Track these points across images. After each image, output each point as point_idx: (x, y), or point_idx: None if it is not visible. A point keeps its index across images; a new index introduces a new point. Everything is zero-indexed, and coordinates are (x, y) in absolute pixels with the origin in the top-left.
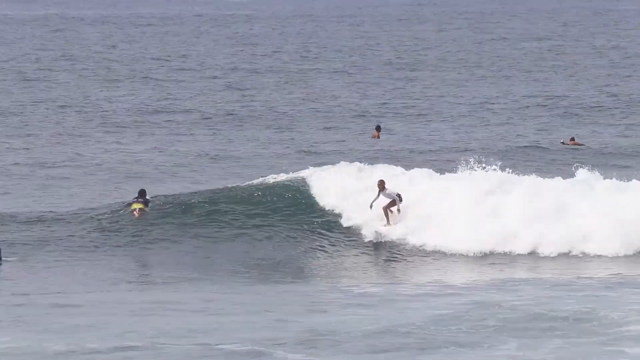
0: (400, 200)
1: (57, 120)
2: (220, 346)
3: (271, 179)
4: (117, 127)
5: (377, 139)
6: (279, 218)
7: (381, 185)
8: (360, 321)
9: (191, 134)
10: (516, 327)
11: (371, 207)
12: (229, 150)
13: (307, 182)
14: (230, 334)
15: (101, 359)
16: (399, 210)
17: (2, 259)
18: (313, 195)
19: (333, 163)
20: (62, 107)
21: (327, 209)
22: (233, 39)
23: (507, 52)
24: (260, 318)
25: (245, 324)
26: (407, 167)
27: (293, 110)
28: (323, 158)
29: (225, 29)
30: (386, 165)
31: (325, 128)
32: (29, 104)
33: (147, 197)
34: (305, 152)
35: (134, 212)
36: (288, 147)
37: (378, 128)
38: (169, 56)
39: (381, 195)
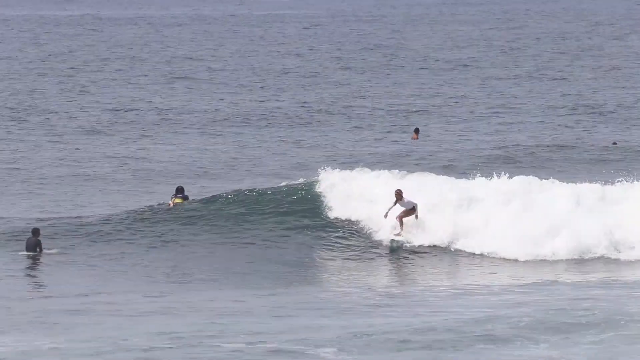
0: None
1: (91, 120)
2: (254, 346)
3: (301, 181)
4: (152, 125)
5: (416, 140)
6: (306, 221)
7: (398, 195)
8: (394, 320)
9: (223, 135)
10: (550, 326)
11: (386, 216)
12: (261, 150)
13: (337, 186)
14: (265, 334)
15: (132, 358)
16: (416, 216)
17: (44, 250)
18: (342, 199)
19: (369, 165)
20: (95, 107)
21: (357, 213)
22: (266, 39)
23: (542, 51)
24: (295, 318)
25: (278, 325)
26: (446, 168)
27: (329, 110)
28: (359, 159)
29: (257, 29)
30: (421, 173)
31: (361, 128)
32: (65, 103)
33: (186, 194)
34: (340, 154)
35: (170, 203)
36: (322, 148)
37: (417, 130)
38: (201, 56)
39: (398, 205)
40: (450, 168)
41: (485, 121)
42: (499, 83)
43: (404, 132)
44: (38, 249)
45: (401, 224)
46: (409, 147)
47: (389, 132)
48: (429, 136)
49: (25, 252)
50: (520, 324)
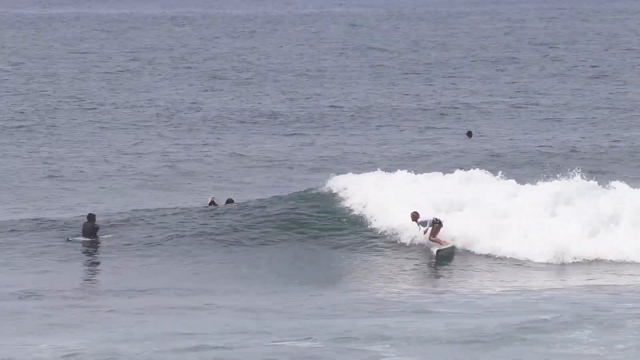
0: (440, 223)
1: (135, 119)
2: (297, 344)
3: (340, 183)
4: (194, 124)
5: (468, 140)
6: (343, 227)
7: (414, 217)
8: (438, 319)
9: (263, 134)
10: (590, 321)
11: (425, 232)
12: (302, 152)
13: (372, 190)
14: (306, 333)
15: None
16: (438, 223)
17: (99, 235)
18: (379, 203)
19: (414, 165)
20: (139, 106)
21: (395, 216)
22: (304, 39)
23: (588, 50)
24: (341, 318)
25: (319, 325)
26: (495, 170)
27: (371, 110)
28: (406, 160)
29: (293, 29)
30: (461, 172)
31: (408, 128)
32: (110, 103)
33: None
34: (386, 154)
35: (209, 200)
36: (366, 148)
37: (469, 133)
38: (240, 56)
39: (421, 227)
40: (497, 168)
41: (538, 122)
42: (549, 83)
43: (445, 128)
44: (95, 234)
45: (436, 241)
46: (461, 147)
47: (431, 129)
48: (481, 135)
49: (82, 238)
50: (565, 318)
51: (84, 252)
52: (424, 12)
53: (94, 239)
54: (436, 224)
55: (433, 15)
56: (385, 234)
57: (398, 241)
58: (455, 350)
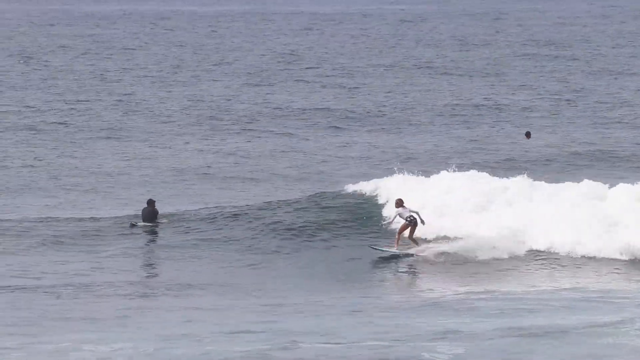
0: (413, 221)
1: (180, 118)
2: (339, 344)
3: (376, 186)
4: (244, 122)
5: (526, 140)
6: (379, 227)
7: (397, 204)
8: (487, 316)
9: (308, 132)
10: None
11: (389, 223)
12: (348, 150)
13: (411, 190)
14: (346, 333)
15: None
16: (422, 222)
17: (157, 222)
18: (417, 203)
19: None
20: (185, 105)
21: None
22: (352, 36)
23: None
24: (388, 318)
25: (358, 323)
26: (552, 167)
27: (419, 109)
28: (461, 159)
29: (342, 26)
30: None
31: (458, 127)
32: (158, 100)
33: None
34: (439, 151)
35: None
36: (417, 147)
37: (528, 134)
38: (289, 53)
39: (397, 216)
40: (553, 165)
41: (594, 120)
42: (593, 79)
43: (496, 126)
44: (155, 219)
45: (398, 237)
46: (517, 146)
47: (481, 127)
48: (531, 133)
49: (142, 223)
50: (618, 318)
51: (137, 246)
52: (474, 9)
53: (154, 224)
54: (407, 222)
55: (482, 12)
56: (422, 237)
57: (437, 242)
58: (506, 345)
